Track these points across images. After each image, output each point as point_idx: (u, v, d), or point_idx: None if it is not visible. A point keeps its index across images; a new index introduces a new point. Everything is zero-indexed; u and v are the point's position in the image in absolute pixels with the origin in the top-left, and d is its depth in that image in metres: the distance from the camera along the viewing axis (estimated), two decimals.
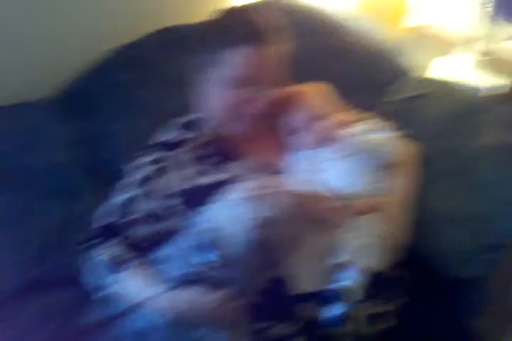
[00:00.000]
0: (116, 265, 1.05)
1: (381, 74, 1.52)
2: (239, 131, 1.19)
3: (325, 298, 0.98)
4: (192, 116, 1.25)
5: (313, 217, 1.01)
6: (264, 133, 1.26)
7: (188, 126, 1.23)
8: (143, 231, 1.10)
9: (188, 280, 0.97)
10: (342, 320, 0.99)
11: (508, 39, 1.70)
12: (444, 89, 1.43)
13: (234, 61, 1.09)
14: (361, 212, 1.07)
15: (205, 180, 1.12)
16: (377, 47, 1.54)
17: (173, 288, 0.97)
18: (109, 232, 1.11)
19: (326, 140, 1.17)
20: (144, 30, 1.46)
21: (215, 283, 0.97)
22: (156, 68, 1.40)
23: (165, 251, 1.05)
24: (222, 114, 1.17)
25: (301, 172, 1.16)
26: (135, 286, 1.02)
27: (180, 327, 0.99)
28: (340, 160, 1.15)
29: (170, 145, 1.18)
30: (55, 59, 1.39)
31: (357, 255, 1.01)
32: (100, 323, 1.03)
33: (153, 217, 1.11)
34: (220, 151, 1.18)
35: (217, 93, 1.14)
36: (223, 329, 0.98)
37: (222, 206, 0.97)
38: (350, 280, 1.01)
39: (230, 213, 0.95)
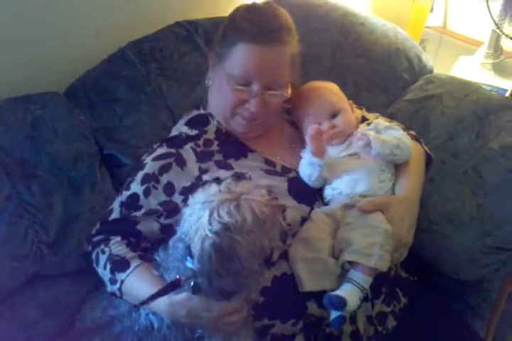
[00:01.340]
0: (120, 264, 1.05)
1: (401, 72, 1.50)
2: (239, 130, 1.18)
3: (328, 301, 0.98)
4: (197, 113, 1.25)
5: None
6: (275, 129, 1.25)
7: (193, 122, 1.22)
8: (145, 229, 1.11)
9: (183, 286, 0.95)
10: (340, 322, 0.99)
11: None
12: (463, 89, 1.40)
13: (241, 57, 1.08)
14: (367, 211, 1.06)
15: (206, 177, 1.11)
16: (398, 46, 1.52)
17: (173, 291, 0.96)
18: (112, 229, 1.11)
19: (337, 138, 1.16)
20: (156, 26, 1.45)
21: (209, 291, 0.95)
22: (166, 63, 1.39)
23: (159, 256, 1.03)
24: (224, 110, 1.16)
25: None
26: (137, 287, 1.03)
27: (179, 328, 0.99)
28: (348, 158, 1.14)
29: (174, 142, 1.17)
30: (68, 54, 1.39)
31: (362, 254, 1.01)
32: (101, 321, 1.03)
33: (154, 214, 1.11)
34: (224, 149, 1.17)
35: (222, 88, 1.13)
36: (222, 332, 0.98)
37: (185, 210, 0.94)
38: (354, 281, 1.00)
39: (191, 218, 0.91)
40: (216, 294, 0.94)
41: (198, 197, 0.93)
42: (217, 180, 1.03)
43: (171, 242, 1.00)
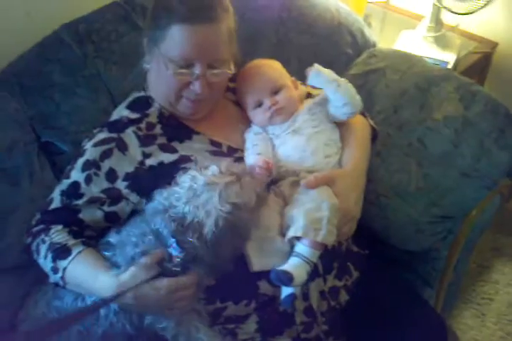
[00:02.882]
0: (61, 251, 1.01)
1: (344, 47, 1.50)
2: (187, 112, 1.15)
3: (275, 277, 0.97)
4: (138, 95, 1.20)
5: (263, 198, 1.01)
6: (220, 109, 1.22)
7: (134, 105, 1.18)
8: (87, 217, 1.06)
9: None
10: (291, 300, 0.98)
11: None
12: (406, 62, 1.41)
13: (177, 39, 1.04)
14: (312, 187, 1.05)
15: (150, 162, 1.08)
16: (340, 21, 1.51)
17: (121, 275, 0.95)
18: (52, 219, 1.07)
19: (280, 115, 1.15)
20: (91, 6, 1.38)
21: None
22: (103, 44, 1.34)
23: (112, 237, 1.01)
24: (167, 94, 1.12)
25: (254, 148, 1.13)
26: (80, 274, 0.99)
27: (126, 315, 0.97)
28: (293, 135, 1.13)
29: (115, 126, 1.13)
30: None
31: (310, 229, 0.99)
32: (48, 312, 1.00)
33: (97, 202, 1.07)
34: (168, 132, 1.13)
35: (161, 73, 1.09)
36: (172, 315, 0.96)
37: (183, 191, 0.93)
38: (302, 255, 1.00)
39: (195, 199, 0.91)
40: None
41: (198, 180, 0.94)
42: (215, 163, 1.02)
43: (142, 217, 0.99)
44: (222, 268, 0.96)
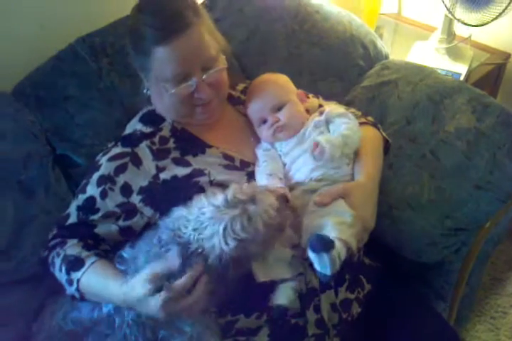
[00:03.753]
0: (74, 263, 1.02)
1: (356, 59, 1.50)
2: (203, 118, 1.16)
3: (317, 239, 0.94)
4: (150, 108, 1.21)
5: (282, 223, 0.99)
6: (232, 123, 1.23)
7: (147, 119, 1.19)
8: (103, 232, 1.07)
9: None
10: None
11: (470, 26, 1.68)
12: (418, 74, 1.41)
13: (163, 61, 1.05)
14: (326, 204, 1.04)
15: (164, 175, 1.09)
16: (352, 33, 1.52)
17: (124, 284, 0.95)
18: (69, 234, 1.08)
19: (282, 131, 1.15)
20: (105, 18, 1.41)
21: None
22: (118, 58, 1.36)
23: (126, 251, 1.02)
24: (178, 111, 1.14)
25: (263, 165, 1.13)
26: (94, 284, 1.00)
27: (141, 326, 0.97)
28: (302, 150, 1.13)
29: (129, 141, 1.14)
30: (11, 47, 1.34)
31: (335, 230, 0.98)
32: (64, 325, 1.01)
33: (113, 217, 1.07)
34: (181, 145, 1.14)
35: (163, 95, 1.10)
36: (184, 328, 0.96)
37: (191, 218, 0.93)
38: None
39: (201, 231, 0.91)
40: None
41: (204, 211, 0.93)
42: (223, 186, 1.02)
43: (154, 232, 0.99)
44: (228, 286, 0.96)
